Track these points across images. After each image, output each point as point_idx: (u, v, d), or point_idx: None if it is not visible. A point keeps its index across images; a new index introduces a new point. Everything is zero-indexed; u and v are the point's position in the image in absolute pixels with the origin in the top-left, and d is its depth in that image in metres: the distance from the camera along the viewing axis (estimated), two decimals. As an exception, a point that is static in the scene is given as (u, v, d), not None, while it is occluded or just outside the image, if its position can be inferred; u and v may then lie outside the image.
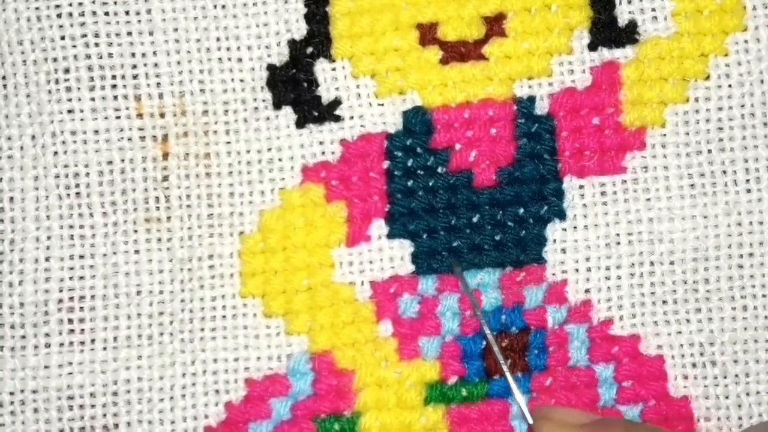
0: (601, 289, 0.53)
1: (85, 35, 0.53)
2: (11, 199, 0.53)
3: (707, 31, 0.53)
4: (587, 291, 0.53)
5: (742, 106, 0.53)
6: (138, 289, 0.52)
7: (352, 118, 0.54)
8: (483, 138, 0.53)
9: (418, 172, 0.53)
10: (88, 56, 0.53)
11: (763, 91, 0.53)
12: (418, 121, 0.53)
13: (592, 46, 0.54)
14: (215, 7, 0.53)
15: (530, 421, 0.49)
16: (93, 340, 0.52)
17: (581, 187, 0.53)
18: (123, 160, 0.53)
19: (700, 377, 0.53)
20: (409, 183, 0.53)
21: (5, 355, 0.52)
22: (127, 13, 0.53)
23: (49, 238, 0.52)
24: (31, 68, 0.53)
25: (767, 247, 0.53)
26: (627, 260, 0.53)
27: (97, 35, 0.53)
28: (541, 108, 0.53)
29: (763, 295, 0.53)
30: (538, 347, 0.52)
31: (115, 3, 0.53)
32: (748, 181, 0.53)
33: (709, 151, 0.53)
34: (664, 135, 0.53)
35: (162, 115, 0.53)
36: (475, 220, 0.53)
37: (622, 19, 0.53)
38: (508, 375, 0.51)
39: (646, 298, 0.53)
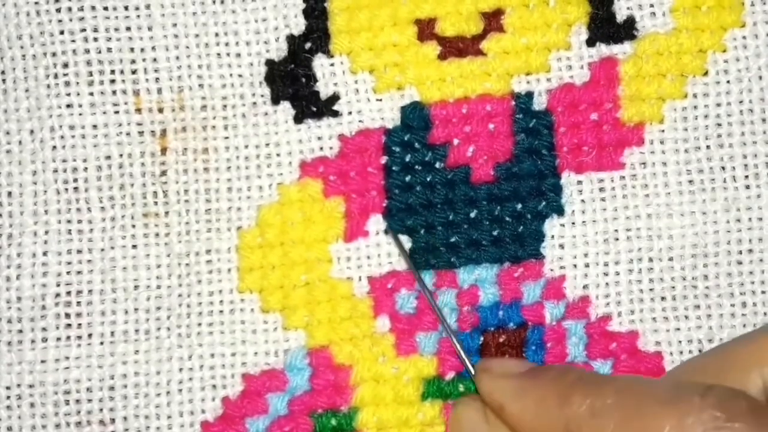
0: (599, 285, 0.53)
1: (84, 30, 0.53)
2: (9, 193, 0.53)
3: (705, 27, 0.53)
4: (585, 287, 0.53)
5: (741, 102, 0.53)
6: (135, 283, 0.52)
7: (350, 113, 0.54)
8: (481, 133, 0.53)
9: (416, 167, 0.53)
10: (87, 51, 0.53)
11: (762, 87, 0.53)
12: (416, 116, 0.53)
13: (590, 42, 0.54)
14: (214, 2, 0.53)
15: (472, 372, 0.49)
16: (90, 335, 0.52)
17: (579, 182, 0.53)
18: (121, 155, 0.53)
19: (698, 374, 0.52)
20: (407, 178, 0.53)
21: (2, 349, 0.52)
22: (126, 8, 0.53)
23: (47, 232, 0.52)
24: (30, 63, 0.53)
25: (766, 244, 0.53)
26: (625, 256, 0.53)
27: (96, 30, 0.53)
28: (539, 103, 0.53)
29: (763, 292, 0.52)
30: (535, 343, 0.52)
31: (114, -2, 0.53)
32: (746, 177, 0.53)
33: (708, 147, 0.53)
34: (663, 131, 0.53)
35: (160, 110, 0.53)
36: (472, 215, 0.53)
37: (621, 15, 0.53)
38: (448, 329, 0.50)
39: (644, 294, 0.53)
